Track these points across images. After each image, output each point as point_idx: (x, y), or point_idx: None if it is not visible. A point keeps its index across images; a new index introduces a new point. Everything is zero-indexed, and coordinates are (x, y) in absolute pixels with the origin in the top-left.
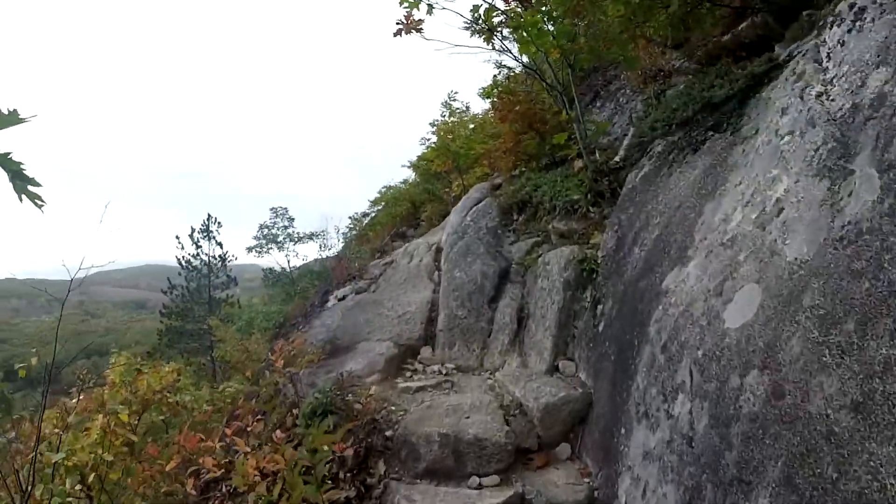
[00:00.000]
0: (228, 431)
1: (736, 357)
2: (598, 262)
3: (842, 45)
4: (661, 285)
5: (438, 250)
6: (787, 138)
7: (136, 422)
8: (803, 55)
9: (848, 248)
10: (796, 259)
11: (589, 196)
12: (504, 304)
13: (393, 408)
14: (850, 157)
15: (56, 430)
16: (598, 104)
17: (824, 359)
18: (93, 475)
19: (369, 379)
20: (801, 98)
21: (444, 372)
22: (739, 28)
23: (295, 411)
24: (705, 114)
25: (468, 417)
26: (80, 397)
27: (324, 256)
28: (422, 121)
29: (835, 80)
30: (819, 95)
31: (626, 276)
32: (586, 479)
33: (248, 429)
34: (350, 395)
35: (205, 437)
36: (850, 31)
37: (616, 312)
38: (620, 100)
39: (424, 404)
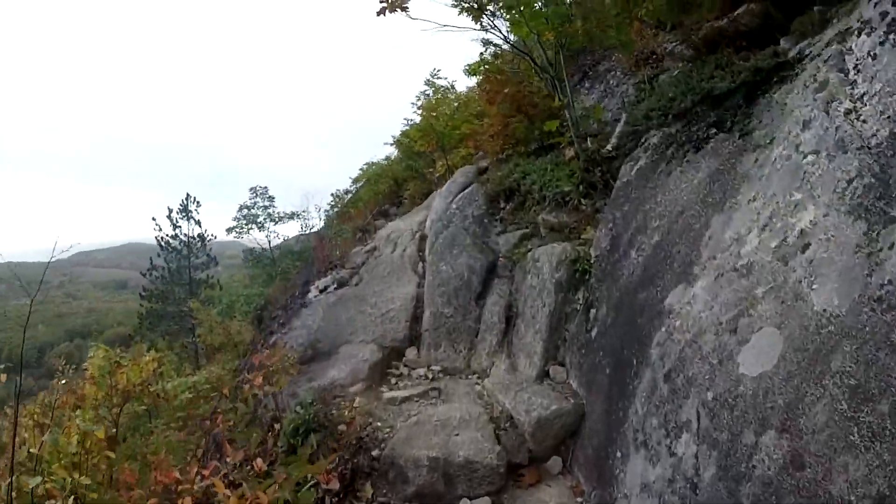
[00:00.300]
0: (205, 473)
1: (751, 410)
2: (592, 262)
3: (873, 58)
4: (663, 303)
5: (423, 238)
6: (810, 157)
7: (115, 432)
8: (825, 61)
9: (888, 314)
10: (825, 311)
11: (581, 187)
12: (492, 301)
13: (379, 423)
14: (892, 201)
15: (32, 450)
16: (587, 85)
17: (852, 437)
18: (72, 498)
19: (353, 388)
20: (827, 113)
21: (430, 377)
22: (736, 13)
23: (276, 426)
24: (705, 107)
25: (458, 435)
26: (57, 398)
27: (305, 232)
28: (405, 94)
29: (866, 99)
30: (848, 113)
31: (622, 283)
32: (579, 499)
33: (228, 459)
34: (333, 408)
35: (182, 476)
36: (882, 42)
37: (611, 321)
38: (610, 82)
39: (412, 419)
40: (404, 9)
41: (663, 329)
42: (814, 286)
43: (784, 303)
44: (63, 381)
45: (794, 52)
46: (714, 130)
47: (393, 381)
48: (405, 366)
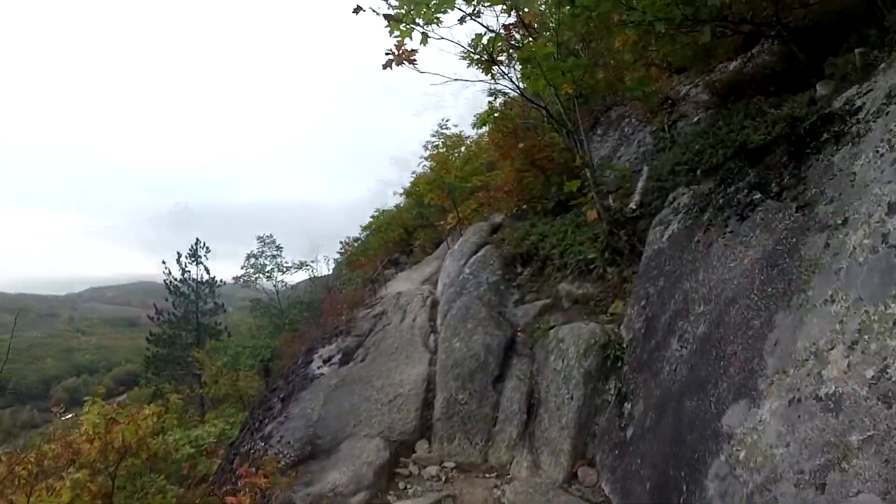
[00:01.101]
0: None
1: None
2: (624, 346)
3: None
4: (719, 421)
5: (434, 304)
6: None
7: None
8: None
9: None
10: None
11: (606, 254)
12: (511, 385)
13: None
14: None
15: None
16: (600, 132)
17: None
18: None
19: (355, 499)
20: None
21: (443, 477)
22: (751, 52)
23: None
24: (740, 162)
25: None
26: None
27: (314, 276)
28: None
29: None
30: None
31: (664, 379)
32: None
33: None
34: None
35: None
36: None
37: (651, 424)
38: (625, 129)
39: None
40: (412, 62)
41: (722, 458)
42: None
43: (889, 463)
44: (59, 427)
45: (841, 103)
46: (758, 195)
47: (401, 484)
48: (415, 463)
